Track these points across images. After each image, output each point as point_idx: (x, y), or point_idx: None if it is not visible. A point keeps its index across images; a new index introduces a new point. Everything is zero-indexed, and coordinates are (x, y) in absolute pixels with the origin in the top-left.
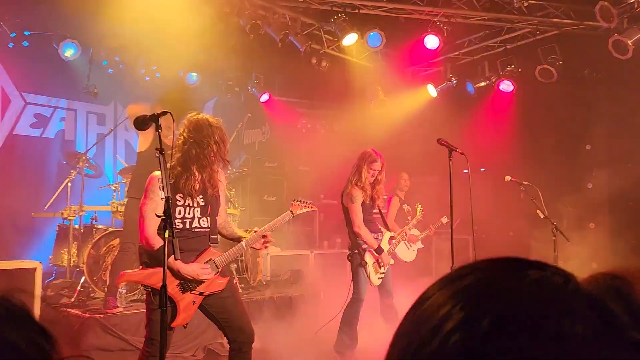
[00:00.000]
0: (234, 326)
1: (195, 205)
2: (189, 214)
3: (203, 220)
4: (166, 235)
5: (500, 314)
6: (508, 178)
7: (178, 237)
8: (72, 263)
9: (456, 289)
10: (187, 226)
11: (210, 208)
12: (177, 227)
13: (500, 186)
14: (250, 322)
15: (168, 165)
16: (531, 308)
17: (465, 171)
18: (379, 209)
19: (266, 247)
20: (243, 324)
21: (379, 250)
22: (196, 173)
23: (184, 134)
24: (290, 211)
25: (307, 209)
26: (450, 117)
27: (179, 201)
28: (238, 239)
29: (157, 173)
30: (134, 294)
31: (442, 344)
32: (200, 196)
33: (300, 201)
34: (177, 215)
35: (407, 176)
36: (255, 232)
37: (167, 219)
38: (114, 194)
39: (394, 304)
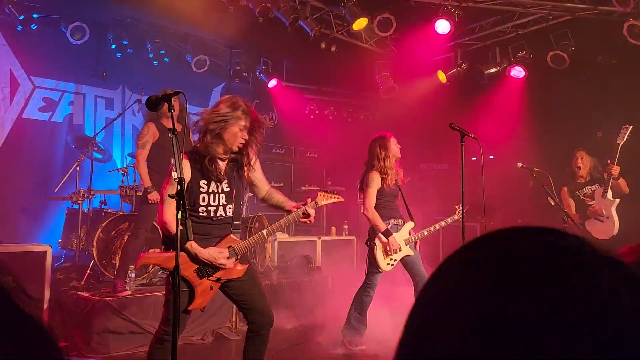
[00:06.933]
0: (254, 309)
1: (220, 191)
2: (213, 201)
3: (229, 208)
4: (178, 216)
5: (516, 277)
6: (519, 164)
7: (200, 223)
8: (81, 247)
9: (472, 258)
10: (212, 214)
11: (235, 193)
12: (200, 214)
13: (508, 173)
14: (269, 305)
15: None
16: (544, 268)
17: (474, 158)
18: (403, 197)
19: (311, 221)
20: (262, 307)
21: (387, 233)
22: (222, 158)
23: (214, 116)
24: (315, 202)
25: (333, 200)
26: (460, 104)
27: (203, 188)
28: (284, 209)
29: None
30: (142, 278)
31: (459, 310)
32: (226, 181)
33: (327, 192)
34: (201, 203)
35: (582, 153)
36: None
37: (179, 200)
38: (123, 177)
39: None
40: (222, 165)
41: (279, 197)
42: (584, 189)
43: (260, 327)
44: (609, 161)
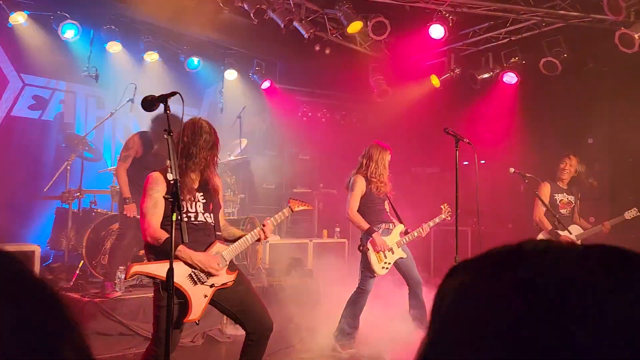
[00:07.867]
0: (252, 317)
1: (196, 200)
2: (192, 208)
3: (207, 216)
4: (174, 217)
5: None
6: (512, 170)
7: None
8: (70, 247)
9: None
10: (192, 219)
11: (212, 205)
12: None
13: (499, 178)
14: (267, 311)
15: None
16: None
17: (465, 163)
18: (390, 202)
19: (266, 237)
20: (260, 314)
21: (370, 231)
22: (190, 173)
23: (183, 136)
24: (289, 207)
25: (304, 207)
26: (453, 108)
27: (181, 196)
28: (238, 239)
29: (155, 174)
30: (132, 279)
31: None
32: (201, 194)
33: (297, 199)
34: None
35: (575, 161)
36: (263, 227)
37: (175, 201)
38: (114, 177)
39: (423, 299)
40: (191, 179)
41: (231, 231)
42: (561, 195)
43: (260, 336)
44: (604, 223)
